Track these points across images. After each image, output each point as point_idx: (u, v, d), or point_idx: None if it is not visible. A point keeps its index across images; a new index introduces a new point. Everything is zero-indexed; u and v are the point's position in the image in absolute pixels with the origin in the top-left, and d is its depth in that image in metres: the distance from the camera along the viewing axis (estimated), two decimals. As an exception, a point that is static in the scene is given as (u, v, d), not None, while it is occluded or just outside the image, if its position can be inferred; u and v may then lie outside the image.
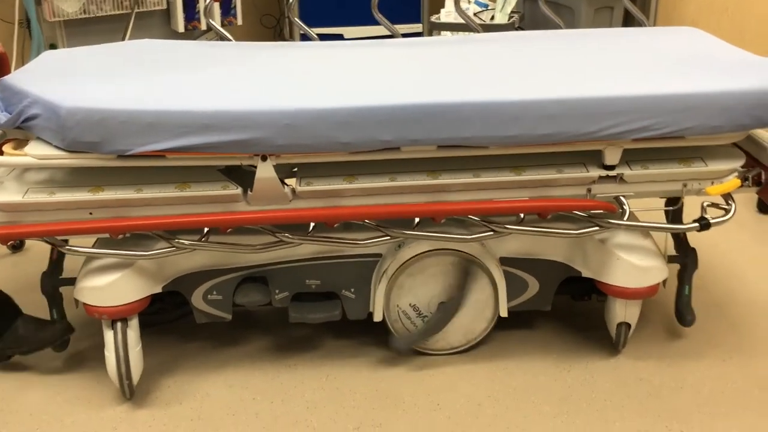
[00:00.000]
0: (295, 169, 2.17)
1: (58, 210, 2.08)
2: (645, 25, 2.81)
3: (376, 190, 2.11)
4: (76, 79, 2.18)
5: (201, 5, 4.15)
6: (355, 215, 2.10)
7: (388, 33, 3.17)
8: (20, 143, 2.10)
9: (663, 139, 2.06)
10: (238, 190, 2.08)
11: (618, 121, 1.99)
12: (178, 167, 2.08)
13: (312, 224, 2.14)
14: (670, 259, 2.37)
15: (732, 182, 2.15)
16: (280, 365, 2.40)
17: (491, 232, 2.15)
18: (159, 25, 4.03)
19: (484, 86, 2.10)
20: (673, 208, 2.40)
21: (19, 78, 2.16)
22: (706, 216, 2.18)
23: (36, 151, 2.01)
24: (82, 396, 2.27)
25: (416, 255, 2.24)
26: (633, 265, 2.21)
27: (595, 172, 2.12)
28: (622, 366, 2.35)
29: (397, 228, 2.15)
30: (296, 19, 2.87)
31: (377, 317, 2.32)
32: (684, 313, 2.41)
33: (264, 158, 2.02)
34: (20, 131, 2.12)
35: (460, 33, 4.13)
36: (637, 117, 1.99)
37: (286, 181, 2.12)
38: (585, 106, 1.99)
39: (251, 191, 2.08)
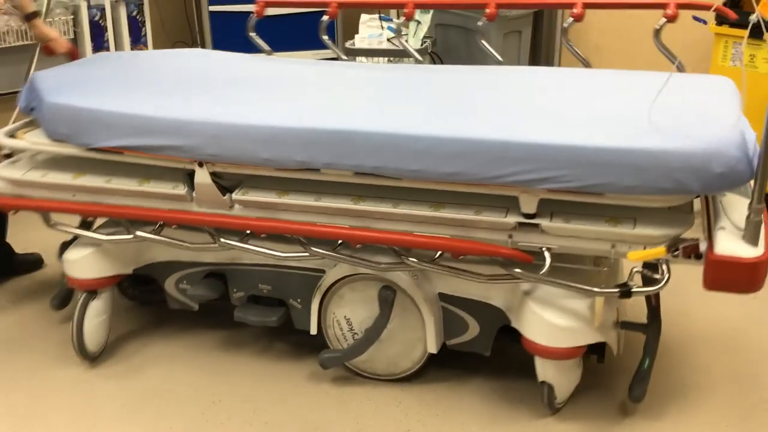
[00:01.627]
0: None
1: (48, 189, 2.41)
2: (676, 66, 2.35)
3: (304, 208, 2.18)
4: (76, 80, 2.45)
5: (109, 34, 4.06)
6: (277, 228, 2.18)
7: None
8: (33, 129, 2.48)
9: (581, 194, 1.93)
10: (184, 191, 2.27)
11: (521, 168, 1.90)
12: (151, 165, 2.28)
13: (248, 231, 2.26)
14: (632, 327, 2.27)
15: (655, 250, 1.92)
16: (205, 401, 2.35)
17: (403, 265, 2.15)
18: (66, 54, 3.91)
19: (392, 117, 2.10)
20: (606, 269, 2.20)
21: (41, 74, 2.49)
22: (631, 282, 2.01)
23: (31, 138, 2.42)
24: (56, 355, 2.58)
25: (344, 277, 2.29)
26: (547, 322, 2.09)
27: (513, 219, 2.02)
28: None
29: (317, 246, 2.20)
30: (255, 37, 2.89)
31: (312, 330, 2.37)
32: (633, 387, 2.20)
33: (201, 164, 2.21)
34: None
35: (375, 59, 4.17)
36: (539, 167, 1.89)
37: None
38: (486, 149, 1.93)
39: (195, 194, 2.26)
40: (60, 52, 2.85)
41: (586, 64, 2.68)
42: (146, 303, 2.84)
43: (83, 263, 2.45)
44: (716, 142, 1.82)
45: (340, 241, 2.20)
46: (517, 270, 2.04)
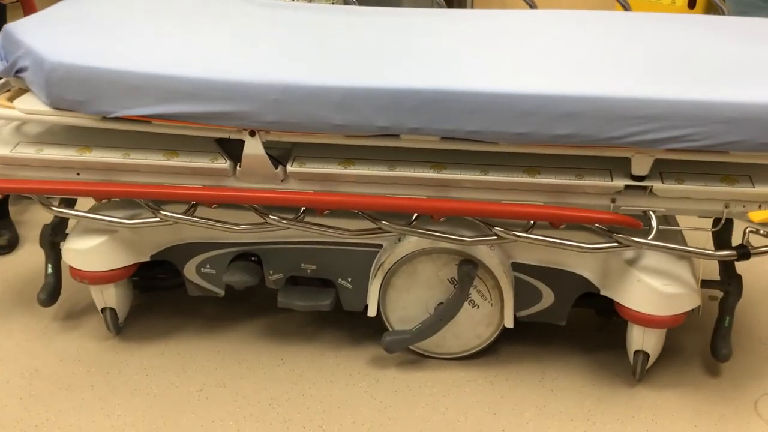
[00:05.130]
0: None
1: (45, 168, 2.01)
2: (722, 13, 2.40)
3: (374, 179, 1.94)
4: (74, 31, 2.06)
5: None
6: (346, 204, 1.94)
7: None
8: (18, 94, 2.04)
9: (702, 152, 1.79)
10: (227, 165, 1.96)
11: (647, 127, 1.74)
12: (175, 134, 1.94)
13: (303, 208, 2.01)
14: (712, 285, 2.12)
15: None
16: (113, 336, 2.31)
17: (494, 237, 1.96)
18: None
19: (494, 74, 1.87)
20: (715, 229, 2.01)
21: (22, 25, 2.07)
22: (748, 244, 1.89)
23: (24, 105, 1.96)
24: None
25: (414, 251, 2.07)
26: (654, 290, 1.95)
27: (621, 182, 1.86)
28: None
29: (392, 221, 1.99)
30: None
31: (371, 312, 2.15)
32: (719, 347, 2.10)
33: (252, 133, 1.90)
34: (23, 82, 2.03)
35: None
36: (669, 125, 1.73)
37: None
38: (608, 107, 1.75)
39: (240, 167, 1.96)
40: None
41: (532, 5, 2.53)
42: (148, 290, 2.48)
43: (95, 253, 2.11)
44: None
45: (415, 215, 1.98)
46: (630, 237, 1.88)
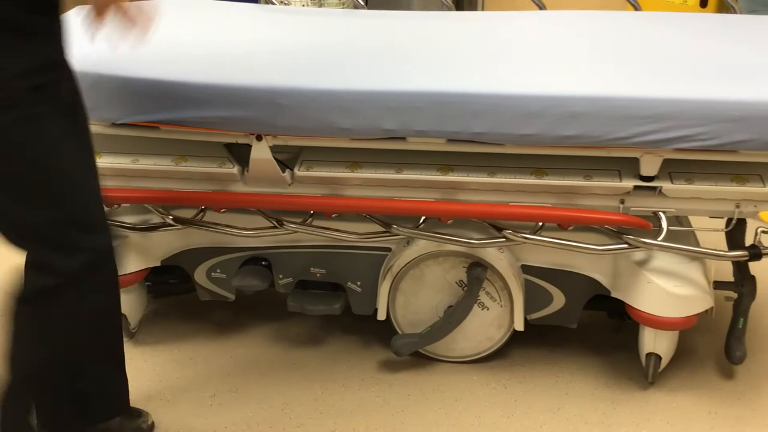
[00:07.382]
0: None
1: None
2: (734, 12, 2.41)
3: (381, 182, 1.96)
4: (81, 39, 2.01)
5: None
6: (354, 207, 1.97)
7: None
8: None
9: (712, 152, 1.78)
10: (234, 169, 1.98)
11: (655, 127, 1.73)
12: (183, 140, 1.96)
13: (311, 211, 2.03)
14: (725, 286, 2.14)
15: None
16: (125, 340, 2.31)
17: (502, 239, 1.97)
18: None
19: (499, 75, 1.88)
20: (727, 230, 1.99)
21: None
22: (759, 244, 1.89)
23: None
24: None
25: (423, 254, 2.07)
26: (666, 291, 1.93)
27: (630, 183, 1.86)
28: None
29: (400, 224, 2.00)
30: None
31: (380, 315, 2.15)
32: (733, 349, 2.08)
33: (259, 138, 1.91)
34: None
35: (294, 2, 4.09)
36: (677, 124, 1.72)
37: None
38: (615, 107, 1.74)
39: (248, 171, 1.98)
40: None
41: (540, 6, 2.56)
42: (160, 295, 2.47)
43: None
44: None
45: (423, 218, 2.00)
46: (640, 239, 1.88)
